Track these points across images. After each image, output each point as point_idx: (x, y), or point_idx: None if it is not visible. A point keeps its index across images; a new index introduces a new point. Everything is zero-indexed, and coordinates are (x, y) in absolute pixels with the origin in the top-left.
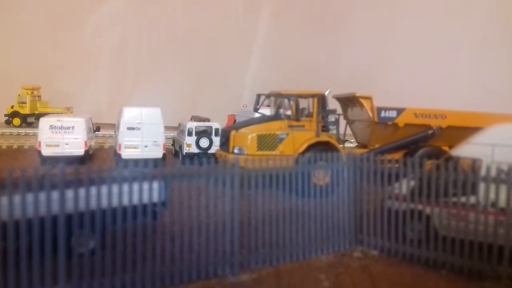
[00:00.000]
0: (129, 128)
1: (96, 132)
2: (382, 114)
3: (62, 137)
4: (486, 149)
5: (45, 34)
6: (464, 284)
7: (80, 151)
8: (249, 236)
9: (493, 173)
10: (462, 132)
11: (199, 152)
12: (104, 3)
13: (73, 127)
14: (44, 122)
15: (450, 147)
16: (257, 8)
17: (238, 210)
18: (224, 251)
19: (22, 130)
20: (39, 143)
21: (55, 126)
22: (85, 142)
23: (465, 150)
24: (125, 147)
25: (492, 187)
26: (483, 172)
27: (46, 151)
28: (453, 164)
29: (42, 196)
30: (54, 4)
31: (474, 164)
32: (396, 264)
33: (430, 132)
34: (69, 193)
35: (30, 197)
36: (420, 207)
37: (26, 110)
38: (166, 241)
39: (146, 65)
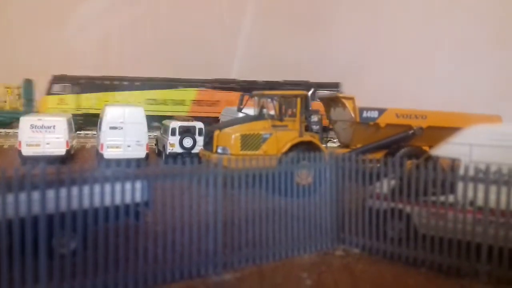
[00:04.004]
0: (111, 128)
1: (78, 132)
2: (364, 114)
3: (43, 136)
4: (464, 149)
5: (27, 33)
6: (443, 282)
7: (61, 150)
8: (232, 235)
9: (471, 172)
10: (442, 132)
11: (182, 152)
12: (87, 2)
13: (54, 127)
14: (24, 121)
15: (430, 147)
16: (242, 7)
17: (221, 209)
18: (207, 250)
19: (2, 130)
20: (20, 142)
21: (36, 126)
22: (67, 141)
23: (444, 150)
24: (108, 147)
25: (470, 186)
26: (461, 171)
27: (26, 151)
28: (433, 163)
29: (23, 196)
30: (37, 3)
31: (453, 164)
32: (377, 262)
33: (410, 132)
34: (50, 194)
35: (10, 197)
36: (400, 206)
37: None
38: (149, 241)
39: (129, 65)
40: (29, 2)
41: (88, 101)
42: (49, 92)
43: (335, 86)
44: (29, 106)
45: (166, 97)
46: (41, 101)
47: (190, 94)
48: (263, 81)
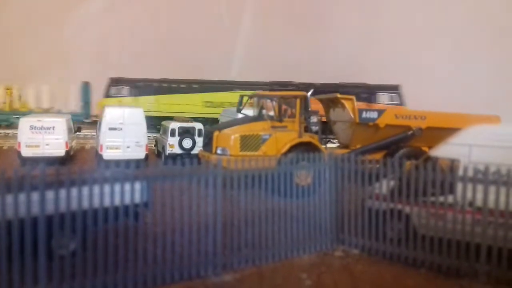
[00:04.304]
0: (111, 129)
1: (77, 133)
2: (363, 115)
3: (42, 137)
4: (463, 149)
5: (26, 34)
6: (442, 282)
7: (60, 151)
8: (232, 236)
9: (470, 173)
10: (441, 133)
11: (182, 153)
12: (86, 2)
13: (53, 128)
14: (24, 122)
15: (430, 147)
16: (240, 7)
17: (220, 210)
18: (206, 251)
19: (1, 131)
20: (19, 143)
21: (35, 127)
22: (66, 142)
23: (443, 151)
24: (107, 148)
25: (469, 186)
26: (460, 172)
27: (26, 152)
28: (432, 164)
29: (22, 197)
30: (35, 3)
31: (452, 164)
32: (377, 262)
33: (410, 132)
34: (50, 194)
35: (9, 198)
36: (399, 206)
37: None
38: (149, 242)
39: (128, 65)
40: (28, 3)
41: (146, 104)
42: (107, 95)
43: (394, 88)
44: (87, 109)
45: (223, 99)
46: (99, 104)
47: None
48: (320, 83)
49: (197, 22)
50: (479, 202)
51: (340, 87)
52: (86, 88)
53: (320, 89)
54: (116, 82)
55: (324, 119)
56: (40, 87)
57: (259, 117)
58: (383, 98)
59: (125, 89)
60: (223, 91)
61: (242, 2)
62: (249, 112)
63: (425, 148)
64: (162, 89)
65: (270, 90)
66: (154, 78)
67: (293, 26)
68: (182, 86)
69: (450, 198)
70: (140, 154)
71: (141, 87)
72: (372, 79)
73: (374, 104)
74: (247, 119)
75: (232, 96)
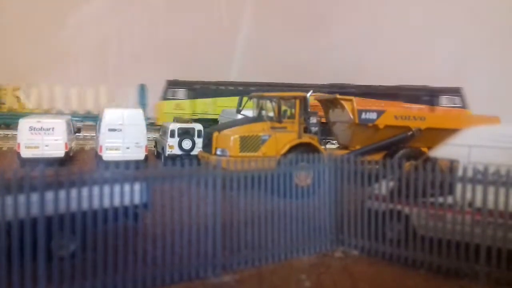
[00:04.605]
0: (110, 130)
1: (77, 134)
2: (363, 115)
3: (42, 138)
4: (463, 150)
5: (26, 34)
6: (442, 283)
7: (60, 152)
8: (231, 237)
9: (469, 173)
10: (441, 133)
11: (181, 154)
12: (86, 3)
13: (53, 129)
14: (23, 123)
15: (429, 148)
16: (240, 9)
17: (220, 211)
18: (206, 252)
19: (1, 132)
20: (18, 144)
21: (34, 128)
22: (66, 143)
23: (443, 151)
24: (107, 149)
25: (469, 187)
26: (460, 172)
27: (25, 153)
28: (431, 165)
29: (22, 198)
30: (35, 4)
31: (452, 165)
32: (376, 263)
33: (409, 133)
34: (49, 195)
35: (9, 199)
36: (399, 207)
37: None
38: (148, 243)
39: (127, 66)
40: (28, 4)
41: (203, 106)
42: (164, 97)
43: (456, 91)
44: (144, 111)
45: None
46: (157, 106)
47: None
48: (380, 85)
49: (196, 24)
50: (478, 202)
51: (400, 90)
52: (142, 90)
53: (378, 92)
54: (172, 84)
55: (323, 120)
56: (98, 89)
57: (258, 118)
58: (446, 101)
59: (182, 92)
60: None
61: (241, 4)
62: (249, 113)
63: (424, 149)
64: (219, 91)
65: (329, 92)
66: (211, 80)
67: (293, 27)
68: (240, 88)
69: (449, 199)
70: (140, 155)
71: (198, 90)
72: (372, 80)
73: (436, 107)
74: (247, 120)
75: None
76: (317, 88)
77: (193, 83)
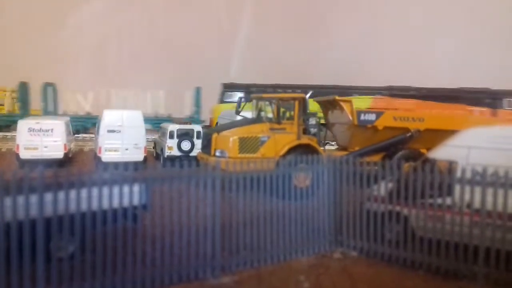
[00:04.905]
0: (109, 131)
1: (76, 135)
2: (362, 117)
3: (41, 139)
4: (461, 151)
5: (25, 35)
6: (440, 284)
7: (59, 154)
8: (230, 238)
9: (468, 175)
10: (440, 134)
11: (180, 155)
12: (85, 4)
13: (52, 130)
14: (22, 125)
15: (428, 149)
16: (239, 10)
17: (219, 212)
18: (205, 253)
19: (0, 133)
20: (17, 146)
21: (33, 129)
22: (65, 145)
23: (441, 153)
24: (106, 150)
25: (467, 188)
26: (458, 174)
27: (24, 154)
28: (430, 166)
29: (21, 199)
30: (34, 5)
31: (450, 166)
32: (375, 264)
33: (408, 134)
34: (48, 197)
35: (8, 200)
36: (398, 208)
37: (4, 112)
38: (147, 244)
39: (126, 67)
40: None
41: None
42: (222, 101)
43: None
44: (198, 114)
45: None
46: (215, 109)
47: (365, 102)
48: (442, 88)
49: (195, 25)
50: (477, 204)
51: (461, 93)
52: (198, 93)
53: (440, 94)
54: (229, 87)
55: (322, 121)
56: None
57: (257, 119)
58: (509, 104)
59: (239, 95)
60: (343, 96)
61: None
62: (248, 114)
63: (423, 150)
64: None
65: (390, 95)
66: (267, 83)
67: (292, 28)
68: (298, 91)
69: (448, 200)
70: (139, 156)
71: (255, 93)
72: (372, 80)
73: (499, 110)
74: (246, 121)
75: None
76: (375, 90)
77: (250, 86)
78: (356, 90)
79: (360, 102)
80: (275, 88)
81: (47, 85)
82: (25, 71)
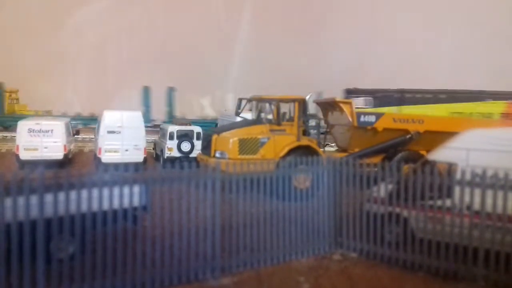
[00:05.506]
0: (109, 132)
1: (76, 136)
2: (362, 118)
3: (40, 140)
4: (461, 153)
5: (24, 37)
6: (440, 286)
7: (59, 154)
8: (230, 239)
9: (468, 176)
10: (439, 136)
11: (180, 156)
12: (84, 6)
13: (52, 131)
14: (22, 125)
15: (428, 151)
16: (239, 13)
17: (219, 214)
18: (205, 255)
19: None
20: (17, 146)
21: (33, 130)
22: (64, 145)
23: (441, 154)
24: (106, 151)
25: (467, 190)
26: (458, 175)
27: (24, 155)
28: (430, 168)
29: (21, 200)
30: (33, 7)
31: (450, 168)
32: (375, 266)
33: (408, 136)
34: (48, 198)
35: (8, 201)
36: (398, 210)
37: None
38: (147, 246)
39: (126, 68)
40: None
41: None
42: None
43: None
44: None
45: (472, 110)
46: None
47: (499, 107)
48: None
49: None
50: (476, 205)
51: None
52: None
53: None
54: (352, 93)
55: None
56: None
57: (257, 121)
58: None
59: (362, 100)
60: (472, 101)
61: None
62: (248, 115)
63: (423, 152)
64: (404, 99)
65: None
66: (393, 88)
67: (291, 31)
68: (428, 96)
69: (448, 202)
70: (139, 157)
71: (380, 98)
72: (372, 81)
73: None
74: (246, 123)
75: (483, 107)
76: (507, 95)
77: (375, 91)
78: (489, 94)
79: (494, 107)
80: (402, 93)
81: (170, 89)
82: (25, 71)
